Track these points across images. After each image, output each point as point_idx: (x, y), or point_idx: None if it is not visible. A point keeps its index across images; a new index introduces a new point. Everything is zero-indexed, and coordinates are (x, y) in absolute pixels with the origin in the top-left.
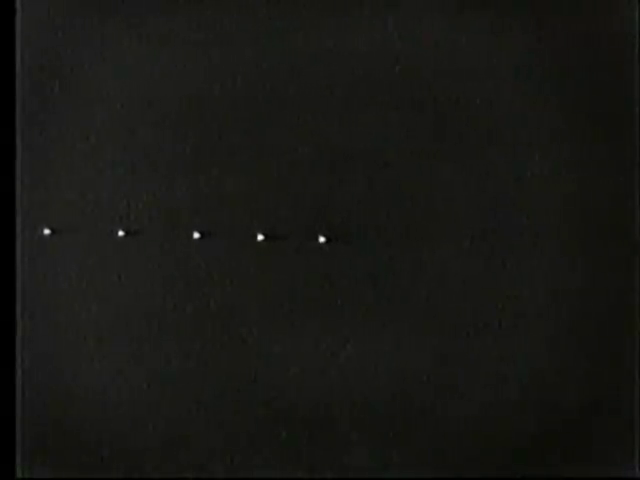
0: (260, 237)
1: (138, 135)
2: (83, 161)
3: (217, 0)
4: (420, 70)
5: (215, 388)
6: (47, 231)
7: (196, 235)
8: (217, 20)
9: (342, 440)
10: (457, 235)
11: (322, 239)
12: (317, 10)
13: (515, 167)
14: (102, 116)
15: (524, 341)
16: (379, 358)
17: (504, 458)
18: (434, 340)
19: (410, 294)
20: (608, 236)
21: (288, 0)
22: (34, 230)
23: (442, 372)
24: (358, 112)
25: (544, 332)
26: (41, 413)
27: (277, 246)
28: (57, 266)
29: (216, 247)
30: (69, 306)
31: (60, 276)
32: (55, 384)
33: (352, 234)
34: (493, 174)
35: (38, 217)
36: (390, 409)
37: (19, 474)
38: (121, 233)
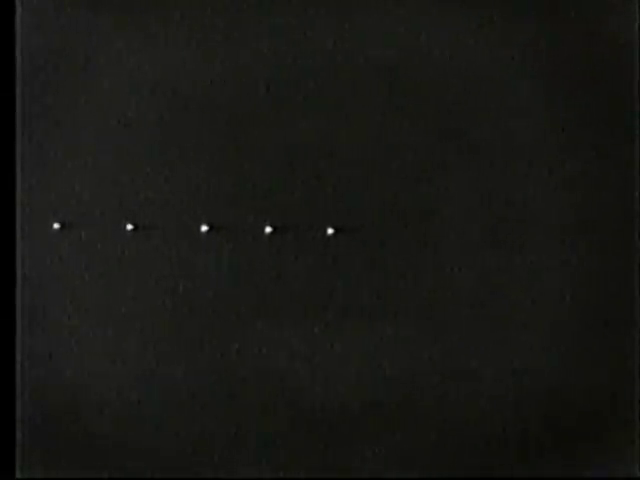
0: (268, 229)
1: (146, 129)
2: (91, 156)
3: (218, 1)
4: (422, 69)
5: (221, 384)
6: (56, 225)
7: (204, 228)
8: (220, 18)
9: (343, 439)
10: (461, 231)
11: (330, 230)
12: (318, 9)
13: (515, 166)
14: (109, 112)
15: (524, 341)
16: (384, 354)
17: (504, 458)
18: (439, 335)
19: (417, 288)
20: (608, 235)
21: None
22: (43, 224)
23: (446, 370)
24: (364, 108)
25: (544, 332)
26: (41, 413)
27: (285, 238)
28: (66, 260)
29: (224, 240)
30: (77, 300)
31: (69, 270)
32: (56, 383)
33: (360, 225)
34: (493, 172)
35: (47, 212)
36: (393, 408)
37: (19, 474)
38: (130, 227)
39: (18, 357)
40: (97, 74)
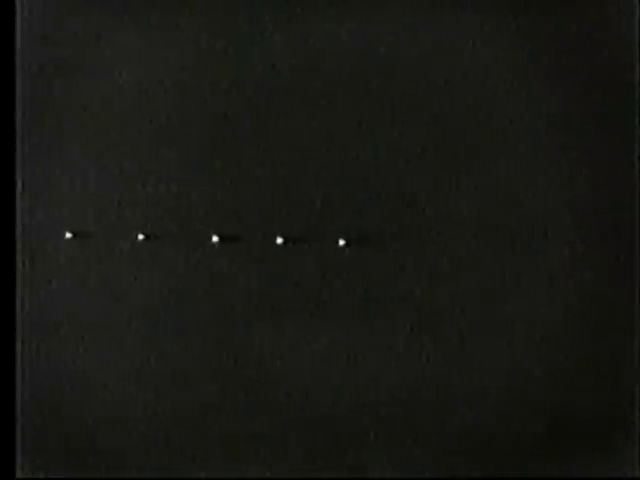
0: (279, 240)
1: (159, 141)
2: (103, 166)
3: (218, 1)
4: (423, 71)
5: (226, 388)
6: (69, 235)
7: (215, 239)
8: (220, 20)
9: (346, 440)
10: (465, 236)
11: (342, 242)
12: (319, 10)
13: (515, 167)
14: (120, 121)
15: (525, 342)
16: (390, 359)
17: (504, 458)
18: (442, 339)
19: (423, 295)
20: (608, 236)
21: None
22: (56, 234)
23: (447, 373)
24: (369, 118)
25: (543, 333)
26: (41, 413)
27: (296, 249)
28: (78, 269)
29: (235, 251)
30: (88, 307)
31: (81, 279)
32: (57, 384)
33: (371, 237)
34: (493, 175)
35: (60, 221)
36: (396, 410)
37: (19, 474)
38: (141, 237)
39: (19, 358)
40: (106, 80)
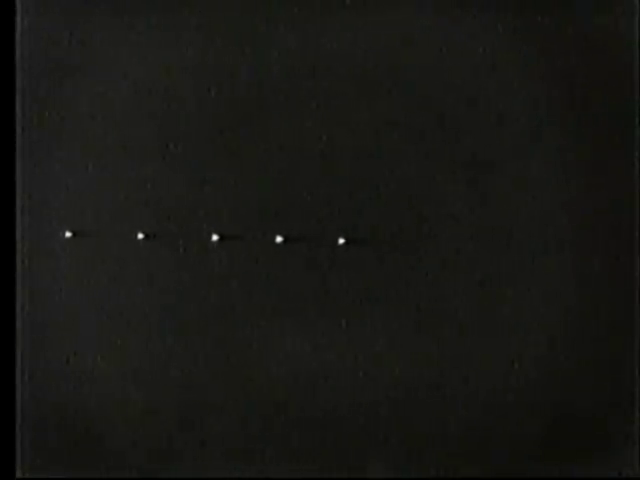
0: (279, 239)
1: (159, 141)
2: (104, 165)
3: (217, 1)
4: (422, 73)
5: (226, 389)
6: (68, 234)
7: (215, 238)
8: (220, 20)
9: (346, 440)
10: (465, 236)
11: (341, 241)
12: (319, 10)
13: (514, 168)
14: (120, 121)
15: (524, 342)
16: (390, 358)
17: (504, 458)
18: (442, 339)
19: (423, 295)
20: (608, 236)
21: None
22: (56, 233)
23: (447, 373)
24: (369, 119)
25: (542, 333)
26: (41, 413)
27: (296, 248)
28: (78, 268)
29: (235, 250)
30: (89, 309)
31: (81, 279)
32: (57, 384)
33: (370, 236)
34: (492, 175)
35: (60, 220)
36: (396, 410)
37: (19, 474)
38: (140, 236)
39: (18, 359)
40: (106, 80)
